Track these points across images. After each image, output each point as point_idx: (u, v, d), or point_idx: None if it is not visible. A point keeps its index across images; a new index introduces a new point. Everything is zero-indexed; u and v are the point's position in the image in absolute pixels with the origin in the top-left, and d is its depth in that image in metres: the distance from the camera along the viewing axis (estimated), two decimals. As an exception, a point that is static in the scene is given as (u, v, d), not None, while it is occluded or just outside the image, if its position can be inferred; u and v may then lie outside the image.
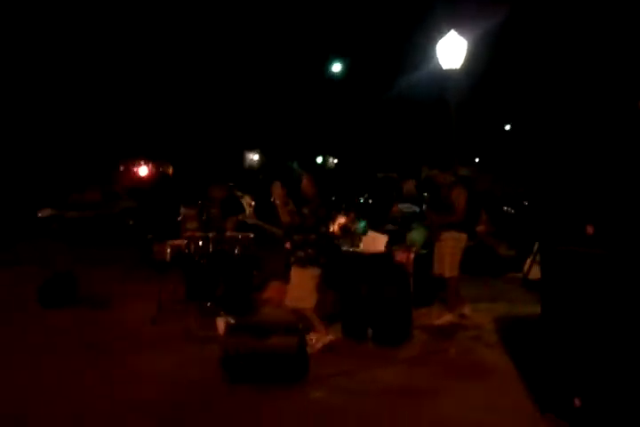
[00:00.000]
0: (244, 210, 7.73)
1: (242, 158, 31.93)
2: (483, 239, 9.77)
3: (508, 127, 37.52)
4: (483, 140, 29.08)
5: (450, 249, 6.66)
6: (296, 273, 5.78)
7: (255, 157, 33.20)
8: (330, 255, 7.63)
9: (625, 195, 3.48)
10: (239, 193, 8.14)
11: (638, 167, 3.50)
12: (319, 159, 36.19)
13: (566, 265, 3.81)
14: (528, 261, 8.26)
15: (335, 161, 37.81)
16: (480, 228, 10.19)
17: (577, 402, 3.67)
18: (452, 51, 9.37)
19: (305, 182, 6.02)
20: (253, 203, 8.30)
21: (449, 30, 9.45)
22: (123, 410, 4.38)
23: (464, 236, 6.72)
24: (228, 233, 7.03)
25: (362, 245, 6.84)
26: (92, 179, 19.34)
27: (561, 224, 3.85)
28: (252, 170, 30.77)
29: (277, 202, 5.85)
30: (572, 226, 3.76)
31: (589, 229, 3.63)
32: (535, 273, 8.07)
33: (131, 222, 16.76)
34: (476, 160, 32.08)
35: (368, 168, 29.19)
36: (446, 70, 9.37)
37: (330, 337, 5.69)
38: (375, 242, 6.67)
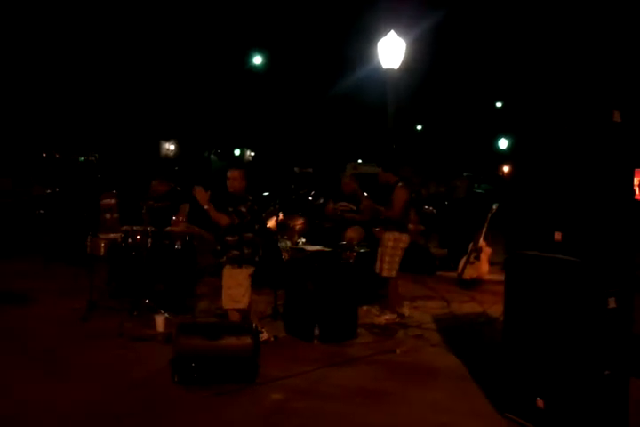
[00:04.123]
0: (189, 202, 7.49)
1: (158, 148, 31.00)
2: (414, 238, 9.93)
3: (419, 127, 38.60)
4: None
5: (390, 250, 6.70)
6: (229, 273, 5.57)
7: (171, 146, 32.31)
8: (268, 252, 7.54)
9: (594, 203, 3.60)
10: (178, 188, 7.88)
11: (608, 176, 3.64)
12: (237, 152, 35.76)
13: (532, 270, 3.90)
14: (462, 260, 8.47)
15: (252, 154, 37.50)
16: (409, 226, 10.37)
17: (540, 403, 3.77)
18: (391, 51, 9.45)
19: (236, 176, 5.69)
20: None
21: (389, 30, 9.52)
22: (62, 413, 4.14)
23: (405, 236, 6.77)
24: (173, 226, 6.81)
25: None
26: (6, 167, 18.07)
27: (528, 230, 3.94)
28: (168, 160, 29.95)
29: (207, 207, 5.48)
30: (539, 232, 3.85)
31: (557, 236, 3.73)
32: (469, 273, 8.31)
33: (41, 212, 15.78)
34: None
35: (285, 162, 29.15)
36: (386, 70, 9.43)
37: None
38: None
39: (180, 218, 6.91)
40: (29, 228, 13.41)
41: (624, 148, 3.71)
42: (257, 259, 5.65)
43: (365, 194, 8.64)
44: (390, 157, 9.17)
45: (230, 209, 5.56)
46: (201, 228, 7.03)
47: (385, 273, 6.69)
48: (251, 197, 5.66)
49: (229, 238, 5.56)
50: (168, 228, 6.70)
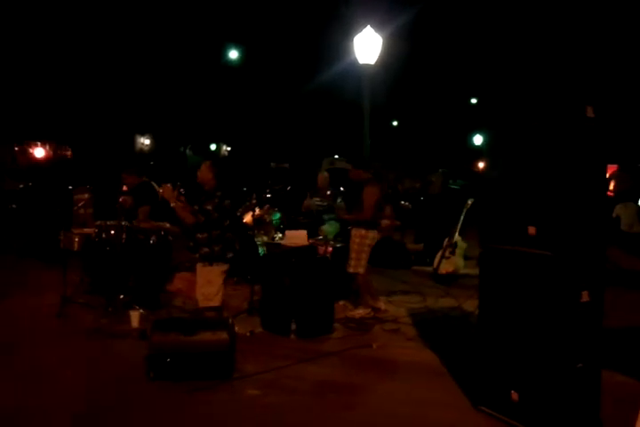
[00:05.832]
0: (158, 198, 7.40)
1: (133, 142, 30.64)
2: (390, 234, 9.98)
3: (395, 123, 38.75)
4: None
5: (356, 246, 6.67)
6: (202, 271, 5.59)
7: (147, 141, 31.97)
8: (244, 247, 7.51)
9: (567, 198, 3.64)
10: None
11: (581, 171, 3.68)
12: (213, 146, 35.55)
13: (506, 264, 3.94)
14: (438, 255, 8.53)
15: (228, 149, 37.30)
16: (384, 222, 10.41)
17: (514, 396, 3.82)
18: (367, 46, 9.44)
19: (203, 170, 5.71)
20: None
21: (365, 26, 9.50)
22: (37, 412, 4.07)
23: (372, 233, 6.71)
24: (141, 223, 6.70)
25: (285, 239, 6.76)
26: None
27: (503, 224, 3.97)
28: (143, 154, 29.65)
29: (174, 205, 5.54)
30: (513, 226, 3.88)
31: (531, 230, 3.77)
32: (445, 267, 8.37)
33: (13, 206, 15.51)
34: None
35: (261, 157, 29.06)
36: (362, 65, 9.42)
37: None
38: (297, 237, 6.61)
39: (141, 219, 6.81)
40: (1, 223, 13.20)
41: (597, 143, 3.75)
42: (230, 255, 5.63)
43: (342, 189, 8.68)
44: (360, 154, 9.17)
45: (196, 207, 5.56)
46: (171, 223, 6.99)
47: (351, 269, 6.67)
48: (219, 194, 5.63)
49: (199, 236, 5.59)
50: (142, 223, 6.62)
